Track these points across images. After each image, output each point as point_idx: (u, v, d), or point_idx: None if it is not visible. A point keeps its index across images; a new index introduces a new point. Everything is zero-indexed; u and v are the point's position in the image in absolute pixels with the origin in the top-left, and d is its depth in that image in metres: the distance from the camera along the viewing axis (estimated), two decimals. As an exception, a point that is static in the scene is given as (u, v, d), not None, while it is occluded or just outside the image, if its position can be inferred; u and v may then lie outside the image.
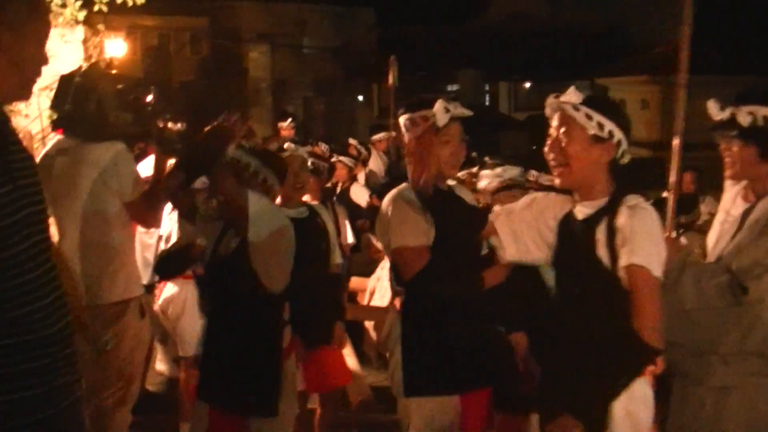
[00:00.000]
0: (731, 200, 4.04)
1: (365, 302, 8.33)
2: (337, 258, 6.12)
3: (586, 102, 3.57)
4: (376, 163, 12.69)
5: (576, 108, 3.55)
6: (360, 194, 10.68)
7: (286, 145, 6.08)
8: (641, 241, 3.41)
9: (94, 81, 4.93)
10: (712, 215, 4.56)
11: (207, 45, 40.30)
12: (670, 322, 3.49)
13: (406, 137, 4.50)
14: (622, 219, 3.46)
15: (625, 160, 3.64)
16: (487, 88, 43.42)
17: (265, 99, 36.27)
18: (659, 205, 9.40)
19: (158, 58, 33.34)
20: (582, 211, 3.60)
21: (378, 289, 7.95)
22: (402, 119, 4.53)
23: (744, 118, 3.80)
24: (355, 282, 8.61)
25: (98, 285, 4.92)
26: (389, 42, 42.57)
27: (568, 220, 3.67)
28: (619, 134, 3.57)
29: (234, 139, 4.35)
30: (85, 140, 4.85)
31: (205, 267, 4.75)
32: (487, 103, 40.67)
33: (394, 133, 12.22)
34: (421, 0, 49.59)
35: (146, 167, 5.69)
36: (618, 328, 3.35)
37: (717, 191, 4.68)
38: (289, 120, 12.70)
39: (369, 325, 7.91)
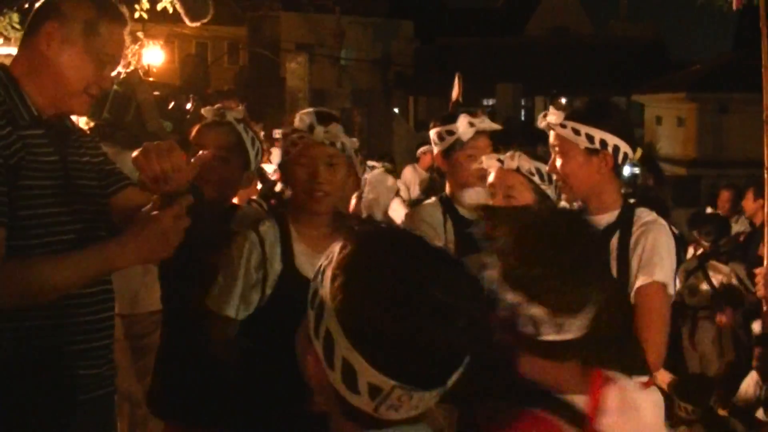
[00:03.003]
0: None
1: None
2: None
3: (570, 116, 3.49)
4: (412, 177, 12.59)
5: (562, 125, 3.49)
6: (398, 212, 10.58)
7: None
8: (661, 258, 3.36)
9: (133, 89, 4.94)
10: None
11: (245, 54, 40.52)
12: None
13: (435, 151, 4.51)
14: (638, 234, 3.42)
15: (635, 158, 3.58)
16: (523, 102, 43.29)
17: (303, 109, 36.26)
18: (695, 220, 9.31)
19: (196, 67, 33.51)
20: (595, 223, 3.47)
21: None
22: (431, 133, 4.54)
23: None
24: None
25: (135, 294, 4.93)
26: (428, 54, 42.68)
27: None
28: (612, 140, 3.47)
29: None
30: (124, 148, 4.86)
31: None
32: (523, 118, 40.51)
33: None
34: (460, 13, 49.67)
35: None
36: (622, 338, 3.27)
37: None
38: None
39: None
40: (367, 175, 5.12)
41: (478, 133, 4.41)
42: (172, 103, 4.98)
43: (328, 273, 1.63)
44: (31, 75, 2.87)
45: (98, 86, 2.95)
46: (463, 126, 4.36)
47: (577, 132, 3.46)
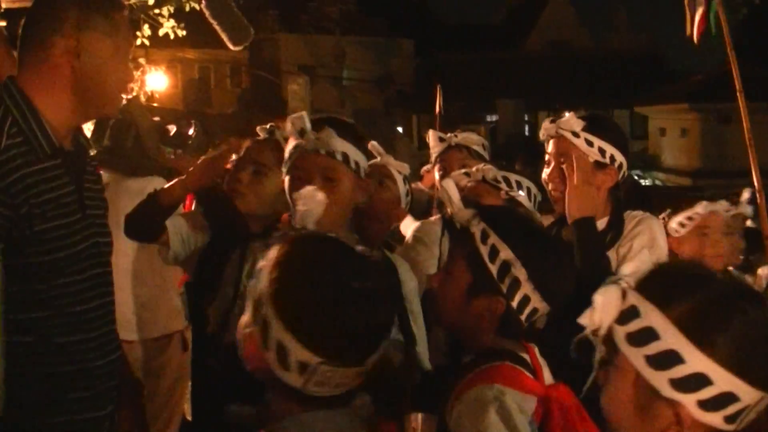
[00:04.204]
0: None
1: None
2: None
3: (586, 127, 3.40)
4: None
5: (576, 135, 3.39)
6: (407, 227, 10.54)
7: None
8: (660, 247, 3.37)
9: (133, 116, 4.95)
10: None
11: (247, 77, 40.61)
12: None
13: (423, 170, 4.58)
14: (631, 226, 3.40)
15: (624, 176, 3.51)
16: (526, 117, 43.28)
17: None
18: None
19: (198, 91, 33.59)
20: None
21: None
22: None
23: None
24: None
25: (141, 319, 4.94)
26: (429, 71, 42.75)
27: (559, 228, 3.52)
28: (620, 158, 3.42)
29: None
30: (125, 175, 4.86)
31: None
32: (527, 133, 40.51)
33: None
34: (460, 29, 49.73)
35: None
36: None
37: None
38: None
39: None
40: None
41: (450, 147, 4.44)
42: (174, 129, 4.99)
43: (266, 270, 1.94)
44: (50, 92, 2.74)
45: (131, 80, 2.95)
46: (433, 140, 4.40)
47: (590, 144, 3.37)
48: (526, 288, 2.36)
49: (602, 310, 1.68)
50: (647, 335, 1.61)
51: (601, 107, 43.61)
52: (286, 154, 2.97)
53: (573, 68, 43.61)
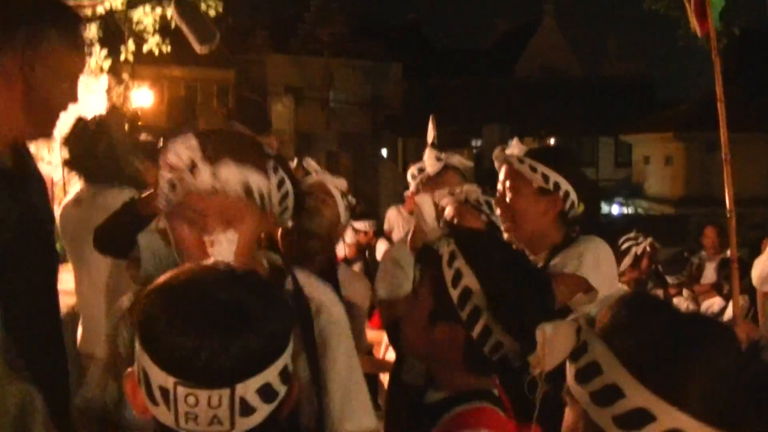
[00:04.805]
0: None
1: (381, 355, 8.26)
2: None
3: (530, 154, 3.49)
4: (396, 219, 12.48)
5: (520, 160, 3.46)
6: (381, 251, 10.49)
7: None
8: (587, 267, 3.33)
9: (107, 125, 4.88)
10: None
11: (233, 97, 40.63)
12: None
13: (408, 193, 4.51)
14: (572, 246, 3.42)
15: (578, 211, 3.52)
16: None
17: (288, 152, 36.47)
18: (679, 261, 9.57)
19: (185, 109, 33.60)
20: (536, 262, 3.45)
21: (395, 342, 7.88)
22: (408, 175, 4.54)
23: None
24: (371, 335, 8.54)
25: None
26: (418, 96, 42.84)
27: None
28: (565, 185, 3.45)
29: None
30: (98, 185, 4.80)
31: None
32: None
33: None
34: (450, 54, 49.93)
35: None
36: None
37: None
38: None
39: (384, 378, 7.82)
40: None
41: (447, 168, 4.40)
42: (150, 145, 4.93)
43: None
44: None
45: (75, 100, 2.81)
46: (430, 160, 4.36)
47: (533, 169, 3.43)
48: (487, 319, 2.19)
49: (555, 348, 1.61)
50: (592, 370, 1.54)
51: (586, 134, 44.01)
52: (165, 188, 2.23)
53: (561, 94, 43.82)
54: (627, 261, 8.84)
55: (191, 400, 1.58)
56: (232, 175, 2.18)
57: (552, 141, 45.90)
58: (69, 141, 4.91)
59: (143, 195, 3.38)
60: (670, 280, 8.95)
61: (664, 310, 1.60)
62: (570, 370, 1.59)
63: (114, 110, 4.96)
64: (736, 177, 5.28)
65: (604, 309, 1.62)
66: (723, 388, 1.47)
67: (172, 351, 1.58)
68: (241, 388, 1.59)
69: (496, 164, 3.60)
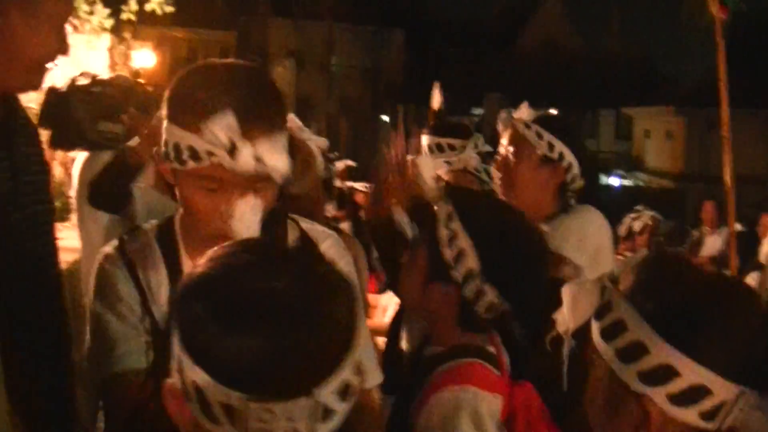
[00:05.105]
0: None
1: (378, 318, 8.27)
2: None
3: (539, 120, 3.36)
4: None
5: (527, 125, 3.35)
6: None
7: None
8: (571, 248, 3.24)
9: (73, 91, 4.71)
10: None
11: (235, 59, 40.47)
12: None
13: (427, 159, 4.40)
14: (563, 216, 3.35)
15: (578, 185, 3.42)
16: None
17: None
18: (680, 233, 9.64)
19: (185, 70, 33.43)
20: None
21: (391, 306, 7.89)
22: (423, 141, 4.35)
23: None
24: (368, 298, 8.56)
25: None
26: (419, 64, 42.71)
27: None
28: (569, 157, 3.35)
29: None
30: (66, 149, 4.66)
31: None
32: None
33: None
34: (452, 24, 49.72)
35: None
36: None
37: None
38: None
39: (381, 341, 7.83)
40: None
41: (463, 171, 4.36)
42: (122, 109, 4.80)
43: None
44: None
45: (66, 51, 2.58)
46: (470, 154, 4.27)
47: (540, 136, 3.33)
48: (479, 281, 2.20)
49: (580, 307, 1.63)
50: (617, 328, 1.56)
51: (587, 106, 43.94)
52: (185, 153, 1.99)
53: (561, 68, 43.68)
54: (622, 230, 8.91)
55: (266, 416, 1.31)
56: (273, 160, 1.98)
57: (553, 112, 45.86)
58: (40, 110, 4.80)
59: (131, 145, 3.31)
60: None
61: (688, 270, 1.62)
62: (595, 328, 1.61)
63: (82, 76, 4.76)
64: (735, 155, 5.28)
65: (627, 269, 1.63)
66: (746, 346, 1.51)
67: (233, 361, 1.31)
68: (322, 393, 1.33)
69: (500, 128, 3.50)
